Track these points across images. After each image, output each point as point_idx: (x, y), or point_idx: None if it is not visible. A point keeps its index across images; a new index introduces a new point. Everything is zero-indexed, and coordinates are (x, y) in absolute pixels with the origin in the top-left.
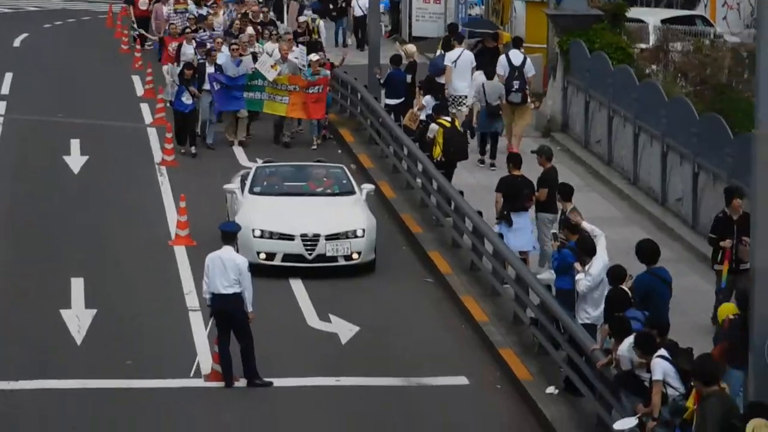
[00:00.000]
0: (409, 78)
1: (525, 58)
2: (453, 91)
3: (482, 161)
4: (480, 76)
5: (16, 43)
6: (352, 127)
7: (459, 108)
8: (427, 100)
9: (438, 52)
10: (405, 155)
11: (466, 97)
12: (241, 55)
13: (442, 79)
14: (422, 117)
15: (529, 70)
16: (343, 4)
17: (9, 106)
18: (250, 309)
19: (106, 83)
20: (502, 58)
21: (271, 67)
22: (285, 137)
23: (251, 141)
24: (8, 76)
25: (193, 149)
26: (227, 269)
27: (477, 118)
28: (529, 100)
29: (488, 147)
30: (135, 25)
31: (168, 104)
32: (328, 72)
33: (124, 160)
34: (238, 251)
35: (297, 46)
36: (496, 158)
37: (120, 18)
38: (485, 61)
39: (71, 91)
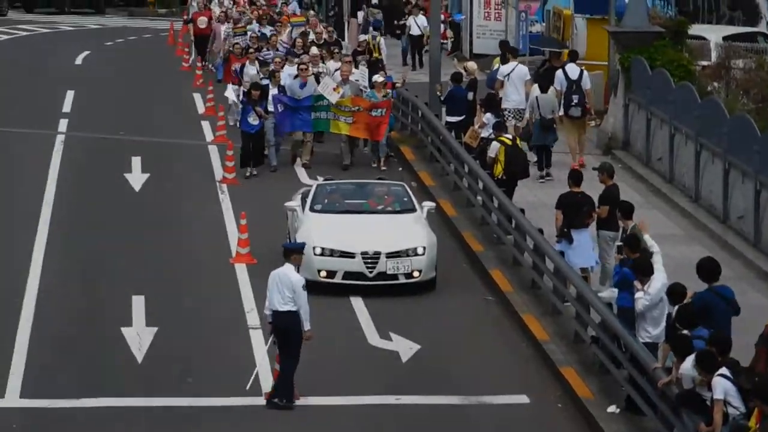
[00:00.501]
0: (470, 95)
1: (582, 72)
2: (506, 104)
3: (542, 176)
4: (535, 89)
5: (78, 60)
6: (413, 145)
7: (513, 121)
8: (488, 118)
9: (495, 67)
10: (466, 173)
11: (522, 110)
12: (306, 76)
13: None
14: (483, 134)
15: (586, 84)
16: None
17: (70, 124)
18: (307, 327)
19: (167, 101)
20: (559, 72)
21: (334, 89)
22: (346, 160)
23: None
24: (70, 94)
25: (254, 171)
26: (283, 286)
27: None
28: (588, 113)
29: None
30: (194, 45)
31: (236, 124)
32: (392, 92)
33: (185, 177)
34: (298, 269)
35: (358, 66)
36: (551, 168)
37: (181, 36)
38: (552, 80)
39: (132, 108)
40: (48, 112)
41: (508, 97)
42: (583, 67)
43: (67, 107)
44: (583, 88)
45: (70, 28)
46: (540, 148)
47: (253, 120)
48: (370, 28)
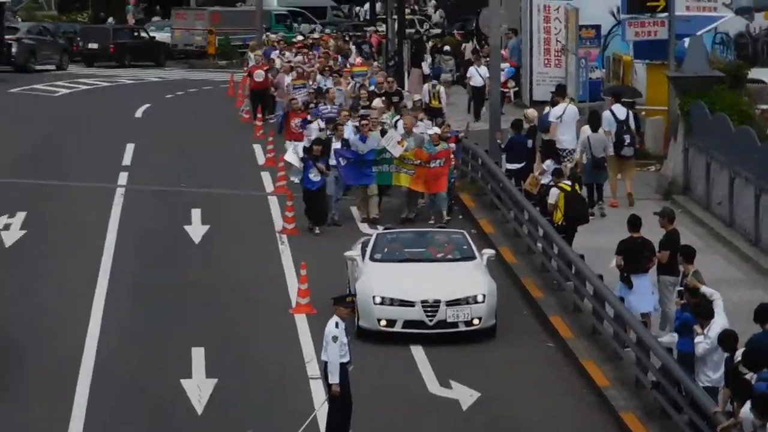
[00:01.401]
0: (529, 142)
1: (628, 112)
2: (559, 144)
3: (592, 213)
4: (586, 129)
5: (138, 113)
6: (473, 192)
7: (565, 161)
8: (548, 165)
9: (545, 110)
10: (526, 220)
11: (573, 150)
12: (370, 130)
13: (548, 137)
14: (543, 181)
15: (632, 123)
16: None
17: (131, 176)
18: (332, 381)
19: (228, 152)
20: (607, 113)
21: (398, 143)
22: (405, 213)
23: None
24: (130, 147)
25: (317, 229)
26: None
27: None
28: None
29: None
30: (251, 98)
31: (297, 181)
32: (451, 145)
33: (244, 228)
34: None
35: (422, 120)
36: (604, 207)
37: (241, 87)
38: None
39: (192, 160)
40: (108, 165)
41: (560, 138)
42: (629, 108)
43: (127, 160)
44: (631, 127)
45: (131, 82)
46: (591, 186)
47: (314, 176)
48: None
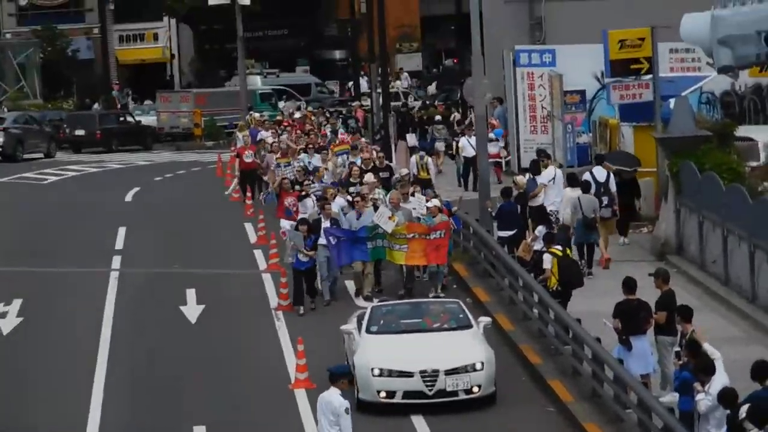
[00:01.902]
0: (520, 209)
1: (608, 174)
2: (551, 206)
3: (590, 274)
4: (571, 191)
5: (128, 197)
6: (467, 262)
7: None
8: (540, 230)
9: (526, 177)
10: (520, 286)
11: (557, 212)
12: (361, 207)
13: (535, 202)
14: (536, 247)
15: (613, 186)
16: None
17: (124, 260)
18: None
19: (219, 232)
20: (587, 174)
21: (389, 218)
22: (402, 290)
23: (380, 293)
24: (122, 231)
25: (303, 308)
26: (328, 411)
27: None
28: (615, 214)
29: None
30: (239, 178)
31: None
32: (445, 217)
33: (240, 306)
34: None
35: (413, 194)
36: (592, 267)
37: (229, 167)
38: (626, 193)
39: (185, 241)
40: (101, 249)
41: (550, 199)
42: (609, 170)
43: (119, 243)
44: (610, 190)
45: (119, 166)
46: (581, 247)
47: (302, 256)
48: (418, 148)
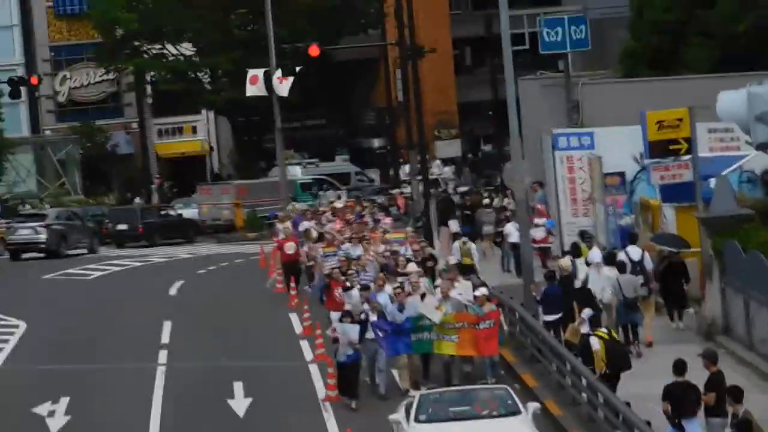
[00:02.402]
0: (564, 292)
1: (643, 253)
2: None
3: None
4: (608, 271)
5: (173, 291)
6: (513, 347)
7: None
8: (586, 313)
9: (566, 259)
10: (568, 371)
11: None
12: (408, 296)
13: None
14: (583, 330)
15: (648, 264)
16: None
17: (170, 354)
18: None
19: (265, 323)
20: (622, 254)
21: (436, 308)
22: (455, 379)
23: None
24: (167, 325)
25: (354, 403)
26: None
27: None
28: (652, 293)
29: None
30: (283, 271)
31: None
32: (493, 306)
33: (288, 398)
34: None
35: (459, 281)
36: (639, 348)
37: (272, 258)
38: (677, 279)
39: (231, 333)
40: (147, 344)
41: (595, 282)
42: (644, 249)
43: (165, 338)
44: (646, 268)
45: (163, 260)
46: (625, 327)
47: (349, 350)
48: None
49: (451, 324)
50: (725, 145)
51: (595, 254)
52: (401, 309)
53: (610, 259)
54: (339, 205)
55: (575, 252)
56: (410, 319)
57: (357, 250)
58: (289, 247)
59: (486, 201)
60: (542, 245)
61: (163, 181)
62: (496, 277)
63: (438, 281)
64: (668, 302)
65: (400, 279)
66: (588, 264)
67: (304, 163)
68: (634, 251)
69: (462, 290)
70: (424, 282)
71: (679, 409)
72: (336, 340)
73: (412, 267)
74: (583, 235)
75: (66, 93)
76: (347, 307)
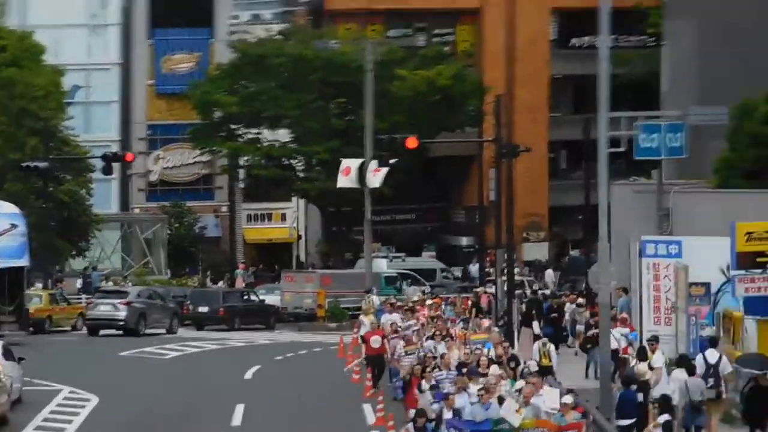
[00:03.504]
0: (640, 397)
1: (720, 357)
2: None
3: None
4: (678, 373)
5: (248, 375)
6: None
7: None
8: (663, 418)
9: (644, 365)
10: None
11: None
12: (487, 399)
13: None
14: None
15: (724, 369)
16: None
17: None
18: None
19: (338, 411)
20: (699, 356)
21: (516, 411)
22: None
23: None
24: (239, 408)
25: None
26: None
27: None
28: (723, 396)
29: None
30: (367, 365)
31: None
32: (578, 414)
33: None
34: None
35: (545, 387)
36: None
37: (351, 348)
38: (763, 402)
39: (303, 420)
40: (218, 427)
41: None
42: (723, 353)
43: (236, 421)
44: (720, 373)
45: (241, 344)
46: (688, 430)
47: None
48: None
49: (530, 429)
50: None
51: (658, 358)
52: (488, 408)
53: (681, 361)
54: (415, 299)
55: (642, 356)
56: (490, 421)
57: (441, 348)
58: (375, 341)
59: (580, 300)
60: (622, 356)
61: (248, 266)
62: (574, 381)
63: (519, 382)
64: (752, 425)
65: (481, 380)
66: (651, 368)
67: (390, 257)
68: (712, 355)
69: (547, 397)
70: (505, 385)
71: None
72: None
73: (494, 369)
74: (651, 339)
75: (159, 173)
76: (420, 405)
